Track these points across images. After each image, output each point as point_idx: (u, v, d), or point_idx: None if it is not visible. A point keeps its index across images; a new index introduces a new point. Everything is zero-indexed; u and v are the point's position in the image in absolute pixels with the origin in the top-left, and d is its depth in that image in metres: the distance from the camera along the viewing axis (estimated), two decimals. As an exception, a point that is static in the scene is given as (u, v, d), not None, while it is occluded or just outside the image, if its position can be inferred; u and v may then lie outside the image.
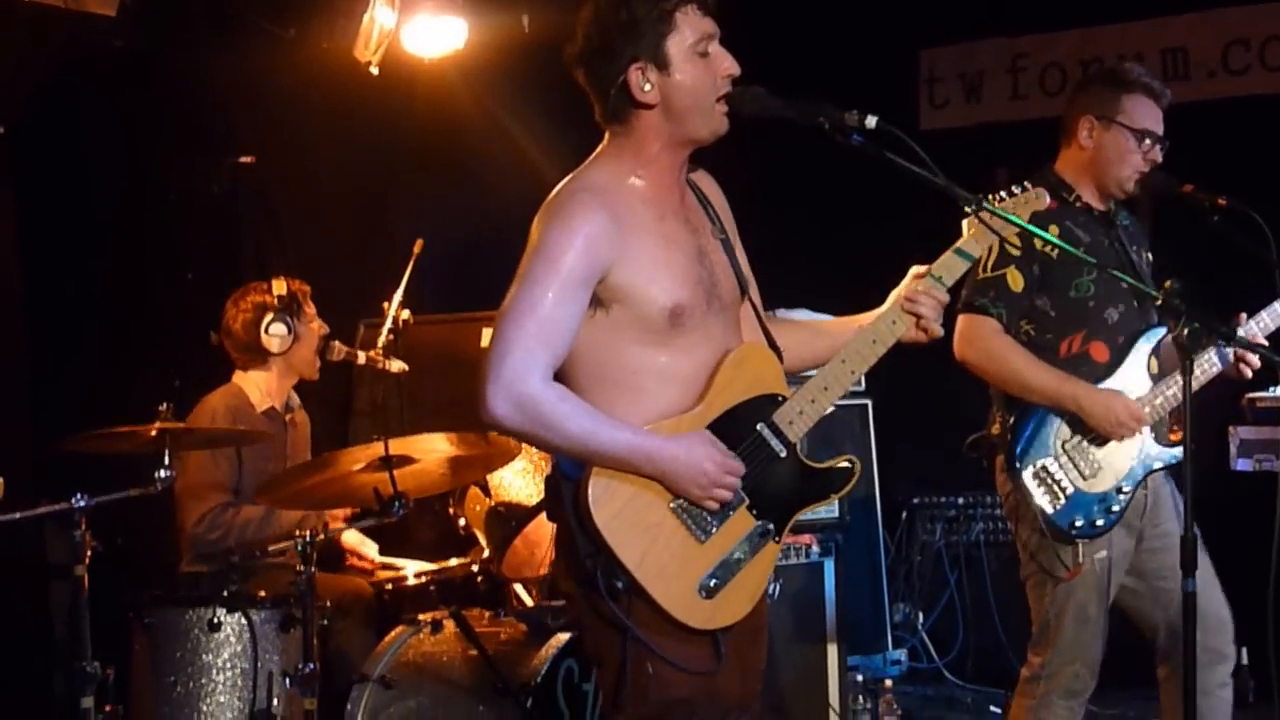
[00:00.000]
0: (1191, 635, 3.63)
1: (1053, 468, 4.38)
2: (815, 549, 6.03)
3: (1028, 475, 4.38)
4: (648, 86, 3.28)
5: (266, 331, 5.48)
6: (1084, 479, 4.38)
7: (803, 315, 6.34)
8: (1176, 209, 4.95)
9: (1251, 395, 5.80)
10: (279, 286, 5.50)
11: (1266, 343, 4.28)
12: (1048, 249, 4.23)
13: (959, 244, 3.51)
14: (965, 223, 3.54)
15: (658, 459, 3.21)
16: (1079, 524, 4.37)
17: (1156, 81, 4.51)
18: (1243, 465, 5.81)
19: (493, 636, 4.83)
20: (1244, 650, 6.85)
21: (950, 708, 7.09)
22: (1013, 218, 3.47)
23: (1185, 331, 3.53)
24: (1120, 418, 4.32)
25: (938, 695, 7.32)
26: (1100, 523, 4.37)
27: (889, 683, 6.12)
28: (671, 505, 3.25)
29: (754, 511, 3.33)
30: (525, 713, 4.52)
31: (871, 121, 3.24)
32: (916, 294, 3.45)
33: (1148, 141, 4.47)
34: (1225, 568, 4.74)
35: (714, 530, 3.28)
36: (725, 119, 3.33)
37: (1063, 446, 4.39)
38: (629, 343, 3.27)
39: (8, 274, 5.85)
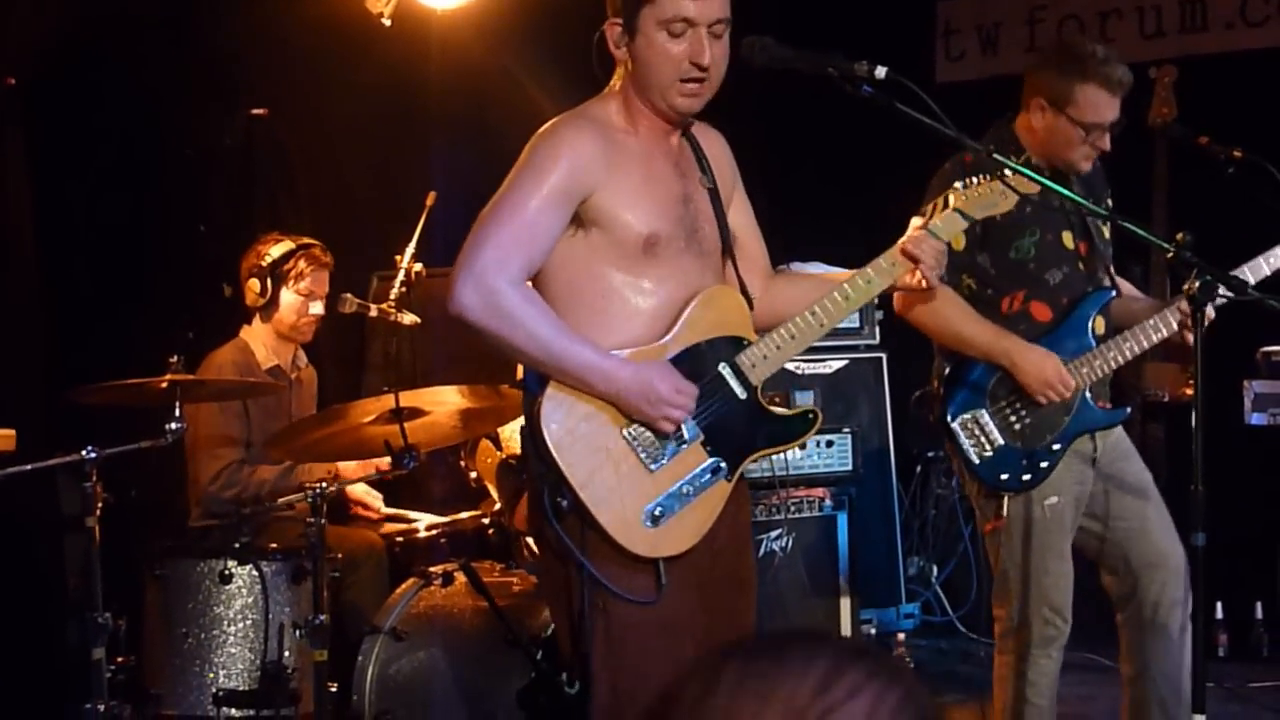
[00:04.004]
0: (1199, 590, 3.61)
1: (983, 419, 4.37)
2: (828, 502, 6.03)
3: (957, 425, 4.38)
4: (620, 46, 3.37)
5: (246, 282, 5.54)
6: (1014, 434, 4.36)
7: (816, 269, 6.33)
8: (1192, 161, 4.92)
9: (1266, 349, 5.77)
10: (279, 246, 5.52)
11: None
12: None
13: (957, 205, 3.54)
14: (963, 183, 3.56)
15: (614, 377, 3.26)
16: (1004, 478, 4.37)
17: (1117, 69, 4.33)
18: (1257, 420, 5.79)
19: (504, 589, 4.84)
20: (1259, 605, 6.88)
21: (964, 661, 7.08)
22: (1028, 172, 3.56)
23: (1197, 284, 3.51)
24: (1049, 379, 4.28)
25: (951, 649, 7.32)
26: (1028, 478, 4.36)
27: (902, 636, 6.13)
28: (624, 432, 3.31)
29: (708, 448, 3.38)
30: (535, 664, 4.53)
31: (881, 72, 3.25)
32: (917, 239, 3.50)
33: (1096, 133, 4.36)
34: (1238, 523, 4.73)
35: (665, 460, 3.33)
36: (690, 100, 3.36)
37: (996, 400, 4.37)
38: (603, 265, 3.33)
39: (21, 226, 5.85)
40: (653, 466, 3.32)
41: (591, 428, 3.29)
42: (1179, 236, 3.65)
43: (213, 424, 5.36)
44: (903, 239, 3.54)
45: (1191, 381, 3.63)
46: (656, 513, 3.31)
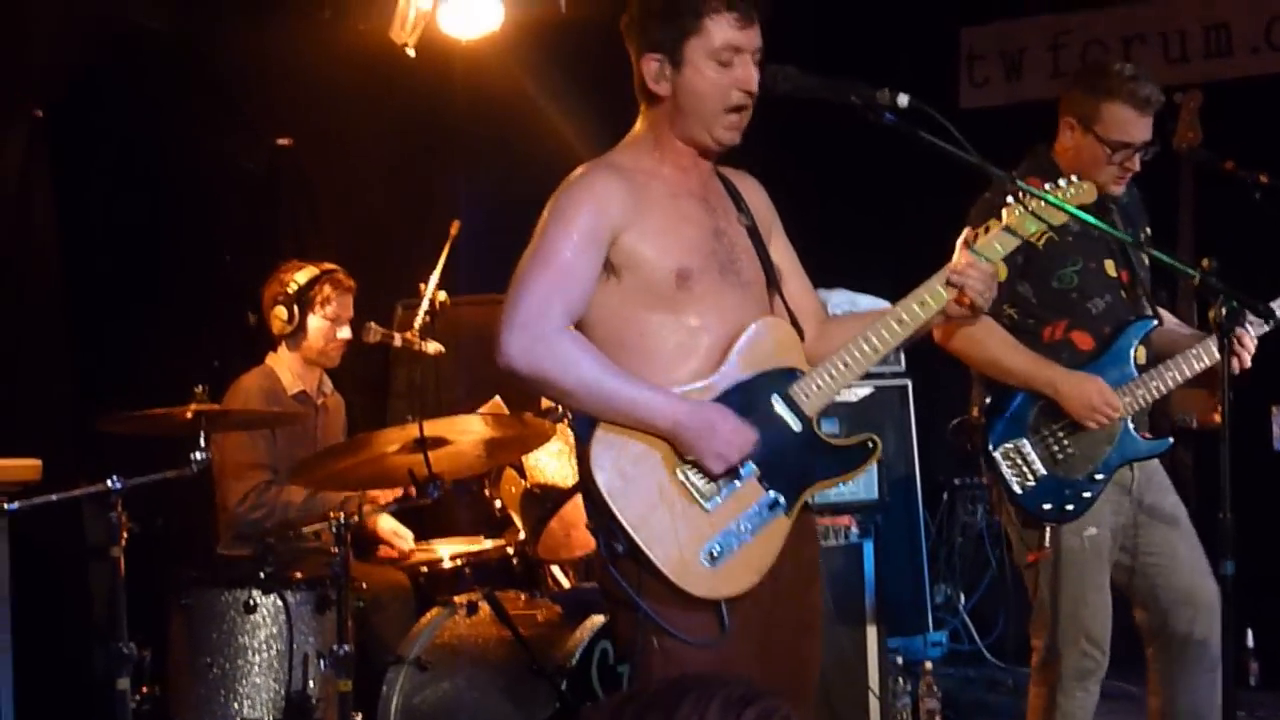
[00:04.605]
0: (1230, 618, 3.58)
1: (1025, 449, 4.32)
2: (855, 530, 5.99)
3: (999, 455, 4.34)
4: (661, 80, 3.35)
5: (272, 310, 5.54)
6: (1056, 463, 4.32)
7: (841, 296, 6.32)
8: (1219, 185, 4.90)
9: (1295, 375, 5.72)
10: (303, 273, 5.53)
11: None
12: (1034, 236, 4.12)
13: (1008, 222, 3.48)
14: (1011, 200, 3.52)
15: (669, 412, 3.23)
16: (1047, 508, 4.32)
17: (1144, 86, 4.30)
18: (1285, 446, 5.75)
19: (528, 619, 4.83)
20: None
21: (991, 690, 7.05)
22: (1052, 199, 3.48)
23: (1224, 310, 3.48)
24: (1094, 403, 4.24)
25: (979, 677, 7.29)
26: (1071, 508, 4.32)
27: (929, 665, 6.07)
28: (677, 471, 3.25)
29: (764, 483, 3.32)
30: (560, 695, 4.51)
31: (904, 100, 3.22)
32: (964, 266, 3.43)
33: (1123, 152, 4.34)
34: (1268, 550, 4.69)
35: (720, 498, 3.27)
36: (733, 133, 3.37)
37: (1038, 429, 4.33)
38: (640, 308, 3.30)
39: (47, 257, 5.87)
40: (708, 505, 3.26)
41: (643, 469, 3.24)
42: (1205, 263, 3.63)
43: (241, 449, 5.36)
44: (949, 264, 3.47)
45: (1219, 408, 3.60)
46: (714, 551, 3.24)
